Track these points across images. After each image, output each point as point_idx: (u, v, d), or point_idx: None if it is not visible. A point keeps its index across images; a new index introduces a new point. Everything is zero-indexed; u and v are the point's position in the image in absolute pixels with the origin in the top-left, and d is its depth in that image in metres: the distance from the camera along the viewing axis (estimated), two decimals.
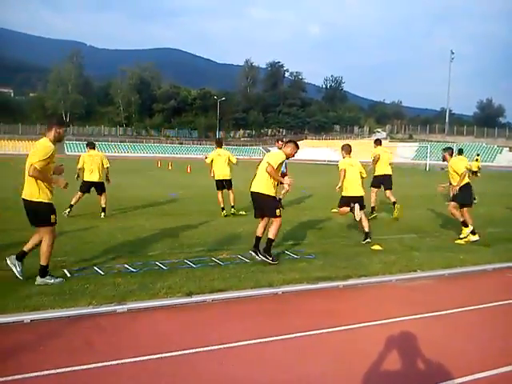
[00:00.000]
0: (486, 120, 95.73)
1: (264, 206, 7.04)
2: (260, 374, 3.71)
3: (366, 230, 8.54)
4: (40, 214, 5.58)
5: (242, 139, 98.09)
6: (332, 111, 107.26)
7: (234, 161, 11.77)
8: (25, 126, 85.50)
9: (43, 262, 5.59)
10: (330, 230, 9.99)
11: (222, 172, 11.57)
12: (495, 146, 69.74)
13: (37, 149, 5.54)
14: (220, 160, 11.57)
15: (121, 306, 4.93)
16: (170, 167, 36.22)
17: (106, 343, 4.15)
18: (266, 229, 7.14)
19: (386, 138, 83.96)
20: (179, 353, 3.98)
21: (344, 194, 8.97)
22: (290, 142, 7.34)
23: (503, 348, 4.34)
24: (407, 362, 3.97)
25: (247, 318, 4.97)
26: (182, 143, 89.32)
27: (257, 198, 7.06)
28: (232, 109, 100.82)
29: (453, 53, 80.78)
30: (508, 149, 68.08)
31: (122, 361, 3.79)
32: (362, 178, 9.00)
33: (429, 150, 53.12)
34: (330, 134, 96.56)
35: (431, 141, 73.37)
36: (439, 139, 75.45)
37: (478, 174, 34.86)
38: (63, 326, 4.50)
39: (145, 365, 3.76)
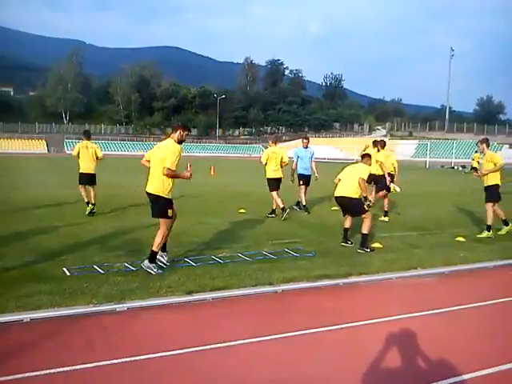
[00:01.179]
0: (486, 117, 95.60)
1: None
2: (260, 372, 3.70)
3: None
4: (159, 207, 6.27)
5: (241, 137, 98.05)
6: (332, 109, 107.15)
7: (100, 155, 11.10)
8: (24, 124, 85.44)
9: (155, 248, 6.16)
10: (329, 227, 9.96)
11: (86, 166, 10.90)
12: (495, 143, 69.56)
13: (166, 152, 6.23)
14: (86, 153, 10.96)
15: (121, 305, 4.93)
16: None
17: (106, 342, 4.15)
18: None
19: (386, 136, 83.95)
20: (179, 351, 3.97)
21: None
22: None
23: (504, 345, 4.34)
24: (408, 360, 3.97)
25: (247, 316, 4.96)
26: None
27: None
28: (232, 107, 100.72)
29: (453, 49, 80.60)
30: (508, 146, 67.97)
31: (123, 360, 3.78)
32: None
33: (429, 148, 53.06)
34: (330, 131, 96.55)
35: (431, 138, 73.26)
36: (439, 136, 75.35)
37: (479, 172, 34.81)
38: (63, 325, 4.50)
39: (145, 364, 3.76)
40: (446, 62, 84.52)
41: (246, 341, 4.24)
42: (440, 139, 69.24)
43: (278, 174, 10.87)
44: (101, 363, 3.72)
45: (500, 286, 6.39)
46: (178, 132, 6.46)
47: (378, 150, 11.42)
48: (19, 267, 6.18)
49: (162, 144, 6.52)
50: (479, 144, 9.63)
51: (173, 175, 6.19)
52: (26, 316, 4.56)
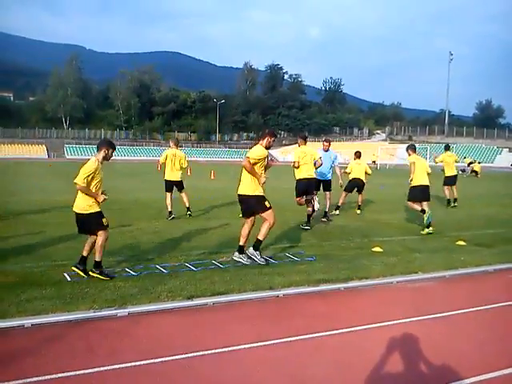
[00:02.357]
0: (486, 121, 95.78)
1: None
2: (261, 377, 3.70)
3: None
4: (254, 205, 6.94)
5: (241, 142, 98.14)
6: (331, 113, 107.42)
7: (185, 164, 11.70)
8: (24, 129, 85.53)
9: (261, 237, 7.06)
10: (330, 231, 9.98)
11: (172, 174, 11.57)
12: (495, 147, 69.77)
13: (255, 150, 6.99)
14: (173, 161, 11.53)
15: (122, 310, 4.92)
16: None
17: (106, 347, 4.14)
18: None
19: (385, 140, 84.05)
20: (181, 356, 3.97)
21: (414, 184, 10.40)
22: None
23: (505, 349, 4.33)
24: (409, 365, 3.96)
25: (248, 321, 4.95)
26: (181, 146, 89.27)
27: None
28: (231, 111, 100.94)
29: (451, 54, 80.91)
30: (507, 150, 68.07)
31: (123, 365, 3.78)
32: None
33: (428, 152, 53.10)
34: (330, 135, 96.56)
35: (431, 142, 73.36)
36: (439, 140, 75.39)
37: (479, 176, 34.91)
38: (64, 330, 4.49)
39: (146, 369, 3.75)
40: (445, 67, 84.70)
41: (248, 345, 4.23)
42: (440, 143, 69.21)
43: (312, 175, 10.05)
44: (102, 368, 3.71)
45: (501, 289, 6.38)
46: (266, 139, 7.06)
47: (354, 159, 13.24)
48: (20, 272, 6.18)
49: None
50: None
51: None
52: (27, 321, 4.55)
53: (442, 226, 10.69)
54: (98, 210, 6.13)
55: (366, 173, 13.04)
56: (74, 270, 6.14)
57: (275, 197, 15.87)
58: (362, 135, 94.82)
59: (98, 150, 6.29)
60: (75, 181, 6.00)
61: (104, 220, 6.12)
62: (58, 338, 4.29)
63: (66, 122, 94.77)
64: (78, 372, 3.63)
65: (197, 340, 4.34)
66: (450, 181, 14.89)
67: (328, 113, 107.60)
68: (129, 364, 3.79)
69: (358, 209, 12.93)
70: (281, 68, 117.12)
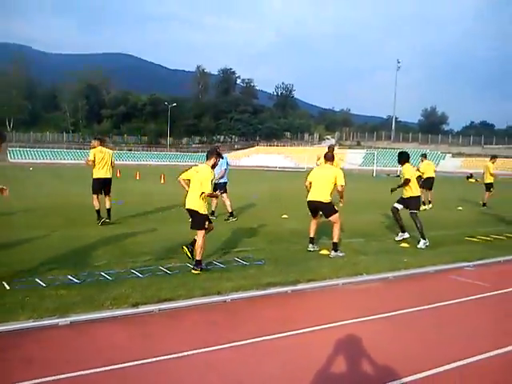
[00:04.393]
0: (430, 127, 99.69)
1: None
2: (210, 382, 3.67)
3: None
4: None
5: (193, 146, 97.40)
6: (283, 118, 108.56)
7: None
8: None
9: (335, 240, 7.96)
10: (279, 235, 10.06)
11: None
12: (439, 152, 72.85)
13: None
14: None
15: (63, 319, 4.75)
16: (118, 174, 35.37)
17: (46, 358, 3.98)
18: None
19: (335, 145, 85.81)
20: (123, 365, 3.87)
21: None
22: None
23: (447, 347, 4.50)
24: (355, 365, 4.05)
25: (196, 327, 4.91)
26: (130, 150, 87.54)
27: None
28: (183, 115, 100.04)
29: (399, 62, 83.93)
30: (451, 155, 71.21)
31: (63, 376, 3.64)
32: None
33: (375, 157, 54.67)
34: (282, 140, 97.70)
35: (378, 147, 75.69)
36: (385, 146, 77.93)
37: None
38: (2, 341, 4.29)
39: (88, 379, 3.63)
40: (393, 75, 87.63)
41: (194, 351, 4.19)
42: (386, 148, 71.56)
43: None
44: (40, 380, 3.56)
45: (442, 289, 6.63)
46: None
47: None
48: None
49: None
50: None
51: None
52: None
53: (386, 229, 11.03)
54: None
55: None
56: None
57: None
58: (313, 140, 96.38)
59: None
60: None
61: None
62: None
63: (9, 125, 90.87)
64: None
65: (141, 349, 4.25)
66: (428, 183, 16.05)
67: (280, 118, 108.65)
68: (69, 374, 3.66)
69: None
70: (233, 72, 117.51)
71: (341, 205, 8.61)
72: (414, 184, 9.51)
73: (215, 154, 7.28)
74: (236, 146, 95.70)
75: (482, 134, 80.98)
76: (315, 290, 6.22)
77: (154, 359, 4.00)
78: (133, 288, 5.77)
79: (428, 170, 16.55)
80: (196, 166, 7.43)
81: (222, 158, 11.63)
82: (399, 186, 9.63)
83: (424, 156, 17.48)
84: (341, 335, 4.65)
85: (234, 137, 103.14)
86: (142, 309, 5.15)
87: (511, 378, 3.92)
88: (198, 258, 6.83)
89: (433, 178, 16.53)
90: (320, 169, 8.84)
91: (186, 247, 7.21)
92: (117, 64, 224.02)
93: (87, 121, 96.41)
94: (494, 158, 18.17)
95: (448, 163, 67.27)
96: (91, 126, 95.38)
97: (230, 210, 11.96)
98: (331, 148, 10.38)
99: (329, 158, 8.78)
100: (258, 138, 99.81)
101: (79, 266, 6.82)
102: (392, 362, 4.07)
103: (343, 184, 8.27)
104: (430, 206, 16.24)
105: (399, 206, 9.69)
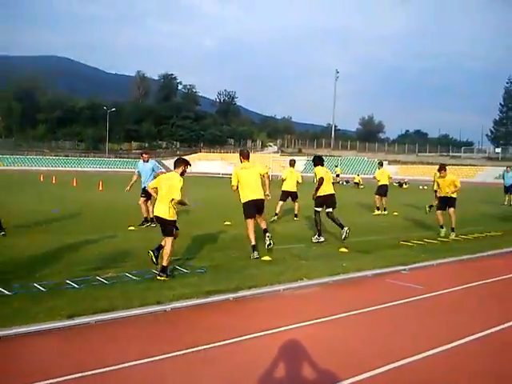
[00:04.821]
0: (368, 135, 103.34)
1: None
2: None
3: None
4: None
5: (133, 151, 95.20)
6: (226, 125, 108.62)
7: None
8: None
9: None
10: (221, 242, 10.02)
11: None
12: (375, 160, 75.57)
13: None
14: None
15: None
16: (53, 181, 34.00)
17: None
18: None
19: (277, 152, 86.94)
20: (58, 380, 3.69)
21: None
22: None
23: (381, 350, 4.64)
24: (298, 369, 4.09)
25: (134, 337, 4.78)
26: (67, 155, 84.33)
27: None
28: (123, 120, 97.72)
29: (338, 72, 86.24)
30: (387, 162, 74.09)
31: None
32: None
33: None
34: (225, 147, 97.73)
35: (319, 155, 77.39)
36: (326, 153, 79.67)
37: (361, 186, 37.46)
38: None
39: None
40: (332, 84, 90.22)
41: (132, 363, 4.07)
42: (327, 156, 73.27)
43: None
44: None
45: (379, 292, 6.84)
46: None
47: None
48: None
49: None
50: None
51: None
52: None
53: (326, 234, 11.25)
54: None
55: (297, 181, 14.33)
56: None
57: None
58: (255, 147, 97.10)
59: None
60: None
61: None
62: None
63: None
64: None
65: (76, 361, 4.08)
66: (382, 190, 16.83)
67: (223, 124, 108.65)
68: None
69: (295, 216, 14.42)
70: (175, 78, 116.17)
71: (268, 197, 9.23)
72: (328, 183, 10.49)
73: (183, 163, 7.36)
74: (178, 153, 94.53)
75: (416, 142, 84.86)
76: (256, 297, 6.24)
77: (91, 372, 3.85)
78: (68, 299, 5.54)
79: (383, 177, 17.21)
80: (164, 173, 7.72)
81: (147, 161, 12.07)
82: (317, 189, 10.41)
83: (380, 164, 18.37)
84: (282, 341, 4.68)
85: (176, 143, 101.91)
86: (78, 321, 4.95)
87: (446, 376, 4.10)
88: (164, 263, 6.82)
89: (386, 185, 17.10)
90: (244, 169, 8.97)
91: (152, 252, 7.17)
92: (52, 67, 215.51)
93: (21, 125, 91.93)
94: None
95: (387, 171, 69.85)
96: (25, 131, 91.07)
97: (149, 216, 11.78)
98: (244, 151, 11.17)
99: (245, 155, 9.07)
100: (200, 145, 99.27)
101: (12, 277, 6.46)
102: (333, 366, 4.14)
103: (267, 172, 9.42)
104: (386, 212, 16.69)
105: (319, 209, 10.52)
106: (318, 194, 10.43)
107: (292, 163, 14.81)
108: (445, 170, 11.71)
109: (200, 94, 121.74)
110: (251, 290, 6.36)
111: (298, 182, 14.37)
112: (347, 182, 42.41)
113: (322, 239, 10.35)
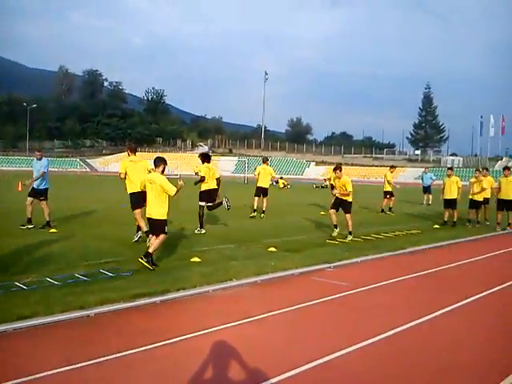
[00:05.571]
0: (296, 137, 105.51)
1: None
2: None
3: None
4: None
5: (56, 150, 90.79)
6: (154, 124, 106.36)
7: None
8: None
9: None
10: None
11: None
12: (304, 161, 77.62)
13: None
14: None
15: None
16: None
17: None
18: None
19: (209, 152, 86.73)
20: None
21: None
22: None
23: (306, 348, 4.77)
24: (227, 370, 4.11)
25: (56, 344, 4.58)
26: None
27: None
28: (45, 117, 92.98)
29: (267, 74, 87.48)
30: (315, 163, 76.22)
31: None
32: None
33: (247, 164, 56.28)
34: (153, 146, 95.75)
35: (249, 155, 78.10)
36: (256, 154, 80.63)
37: (288, 187, 38.21)
38: None
39: None
40: (261, 86, 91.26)
41: (54, 371, 3.90)
42: (257, 156, 74.02)
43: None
44: None
45: (306, 290, 7.01)
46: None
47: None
48: None
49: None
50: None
51: None
52: None
53: (255, 234, 11.39)
54: None
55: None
56: None
57: (99, 207, 15.16)
58: (186, 147, 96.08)
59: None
60: None
61: None
62: None
63: None
64: None
65: None
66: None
67: (151, 123, 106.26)
68: None
69: (263, 213, 14.96)
70: (100, 74, 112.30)
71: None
72: (211, 179, 11.54)
73: (163, 162, 7.82)
74: (104, 151, 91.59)
75: (342, 143, 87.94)
76: (185, 299, 6.19)
77: (10, 383, 3.64)
78: None
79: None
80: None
81: (40, 159, 11.61)
82: (196, 183, 11.57)
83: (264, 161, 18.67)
84: (211, 342, 4.69)
85: (101, 141, 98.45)
86: None
87: (371, 370, 4.28)
88: (150, 250, 7.43)
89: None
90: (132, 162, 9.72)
91: (141, 258, 7.46)
92: None
93: None
94: (393, 167, 19.76)
95: (312, 171, 71.91)
96: None
97: (48, 219, 11.41)
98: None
99: (132, 149, 9.87)
100: (127, 143, 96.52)
101: None
102: (262, 364, 4.20)
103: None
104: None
105: (202, 203, 11.50)
106: (201, 189, 11.52)
107: (265, 160, 15.99)
108: (340, 170, 11.47)
109: (127, 92, 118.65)
110: (180, 292, 6.29)
111: (272, 176, 15.71)
112: (277, 182, 43.05)
113: (203, 231, 11.40)
